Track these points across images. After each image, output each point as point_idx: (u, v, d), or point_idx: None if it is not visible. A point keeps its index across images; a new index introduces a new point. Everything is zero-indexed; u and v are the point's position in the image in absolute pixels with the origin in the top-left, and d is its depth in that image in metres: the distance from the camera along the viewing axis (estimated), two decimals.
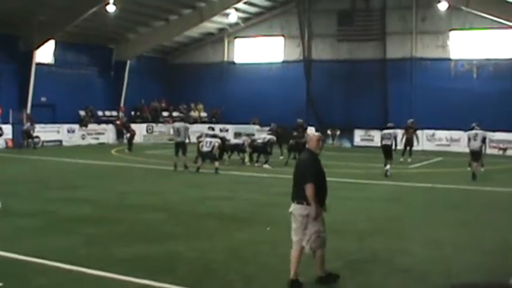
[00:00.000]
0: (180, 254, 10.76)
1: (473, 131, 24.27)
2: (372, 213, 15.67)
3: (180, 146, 26.05)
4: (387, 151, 25.02)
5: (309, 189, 8.82)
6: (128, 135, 37.94)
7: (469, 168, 24.78)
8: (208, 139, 26.19)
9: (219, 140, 26.47)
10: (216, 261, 10.44)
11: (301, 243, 9.03)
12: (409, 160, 30.41)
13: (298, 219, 9.03)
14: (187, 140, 26.40)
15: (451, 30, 42.83)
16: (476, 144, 23.96)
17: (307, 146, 9.60)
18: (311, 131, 29.87)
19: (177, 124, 27.44)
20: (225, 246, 11.54)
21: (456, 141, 38.97)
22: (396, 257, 11.00)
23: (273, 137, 29.65)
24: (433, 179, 23.79)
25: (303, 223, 8.99)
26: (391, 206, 17.37)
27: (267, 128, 34.81)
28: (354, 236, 11.92)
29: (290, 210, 9.17)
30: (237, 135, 41.72)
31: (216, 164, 25.12)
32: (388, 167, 24.40)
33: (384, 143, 25.38)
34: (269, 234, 12.70)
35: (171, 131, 29.61)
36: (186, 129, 26.62)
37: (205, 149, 25.48)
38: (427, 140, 40.29)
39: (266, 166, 27.57)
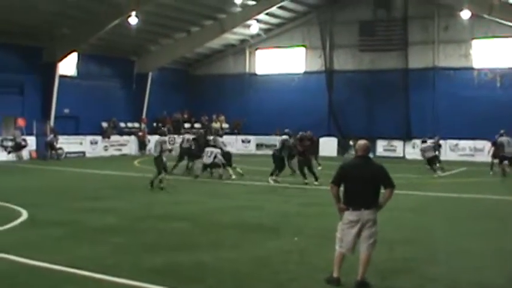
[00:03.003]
0: (209, 264, 10.67)
1: (505, 138, 24.53)
2: (400, 223, 15.52)
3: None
4: (431, 161, 27.70)
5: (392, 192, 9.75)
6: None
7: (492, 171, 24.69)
8: (209, 149, 26.14)
9: (219, 150, 26.21)
10: (245, 270, 10.36)
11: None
12: (440, 173, 29.48)
13: (376, 223, 9.44)
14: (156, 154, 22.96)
15: (473, 39, 42.58)
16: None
17: (359, 153, 9.80)
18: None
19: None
20: (253, 255, 11.46)
21: (480, 150, 38.67)
22: (425, 266, 10.90)
23: (286, 137, 26.90)
24: (458, 189, 23.58)
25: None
26: (419, 215, 17.30)
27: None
28: (383, 245, 11.77)
29: (356, 218, 9.28)
30: (259, 146, 41.70)
31: (220, 171, 25.17)
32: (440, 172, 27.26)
33: (427, 155, 27.94)
34: (297, 244, 12.61)
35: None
36: (158, 143, 23.08)
37: (206, 159, 25.64)
38: (450, 150, 40.01)
39: (270, 181, 24.92)
